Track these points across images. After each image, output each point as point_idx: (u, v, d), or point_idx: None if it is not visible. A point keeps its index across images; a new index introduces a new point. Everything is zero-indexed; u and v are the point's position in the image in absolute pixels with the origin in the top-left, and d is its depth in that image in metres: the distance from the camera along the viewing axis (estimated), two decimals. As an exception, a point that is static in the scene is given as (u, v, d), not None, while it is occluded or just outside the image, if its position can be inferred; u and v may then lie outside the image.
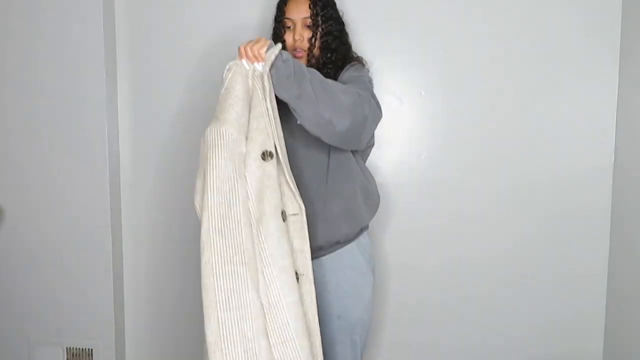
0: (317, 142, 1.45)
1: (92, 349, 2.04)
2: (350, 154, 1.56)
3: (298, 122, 1.38)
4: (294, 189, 1.36)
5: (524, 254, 1.97)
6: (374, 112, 1.48)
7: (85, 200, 1.98)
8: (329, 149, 1.50)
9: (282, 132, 1.37)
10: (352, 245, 1.57)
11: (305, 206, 1.38)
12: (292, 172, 1.39)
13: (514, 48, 1.91)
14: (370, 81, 1.58)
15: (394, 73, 1.95)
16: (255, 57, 1.33)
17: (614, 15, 1.87)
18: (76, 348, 2.05)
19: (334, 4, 1.64)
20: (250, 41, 1.36)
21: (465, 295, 2.00)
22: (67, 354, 2.06)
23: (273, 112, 1.34)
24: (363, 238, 1.61)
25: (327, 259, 1.55)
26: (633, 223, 1.83)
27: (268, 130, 1.33)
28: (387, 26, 1.93)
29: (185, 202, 2.03)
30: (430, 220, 1.98)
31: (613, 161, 1.92)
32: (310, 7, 1.57)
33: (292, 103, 1.35)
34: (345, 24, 1.66)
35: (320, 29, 1.57)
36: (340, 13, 1.65)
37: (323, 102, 1.34)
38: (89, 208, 1.99)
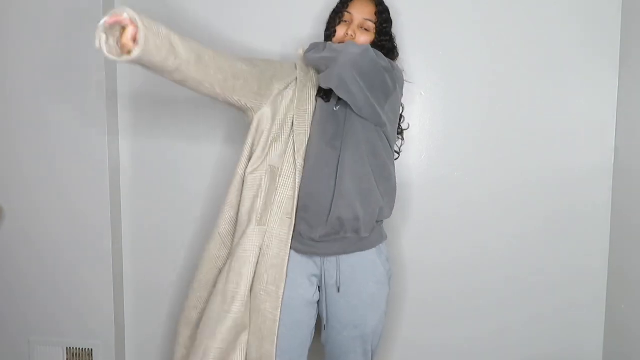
0: (333, 118, 1.51)
1: (92, 349, 2.04)
2: (373, 132, 1.54)
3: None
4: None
5: (523, 254, 1.97)
6: (375, 58, 1.46)
7: (86, 200, 1.98)
8: (344, 124, 1.52)
9: None
10: (373, 253, 1.58)
11: (321, 182, 1.51)
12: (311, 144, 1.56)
13: (514, 48, 1.91)
14: (390, 66, 1.54)
15: (394, 73, 1.94)
16: None
17: (614, 15, 1.87)
18: (76, 348, 2.05)
19: (391, 22, 1.64)
20: None
21: (461, 294, 2.00)
22: (67, 354, 2.06)
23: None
24: (383, 246, 1.63)
25: (348, 267, 1.55)
26: (633, 223, 1.83)
27: None
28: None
29: (185, 202, 2.04)
30: (430, 220, 1.98)
31: (613, 161, 1.92)
32: (375, 14, 1.58)
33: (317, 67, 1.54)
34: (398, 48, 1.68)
35: (376, 37, 1.58)
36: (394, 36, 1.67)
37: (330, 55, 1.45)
38: (89, 208, 1.99)
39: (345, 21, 1.58)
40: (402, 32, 1.93)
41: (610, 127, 1.92)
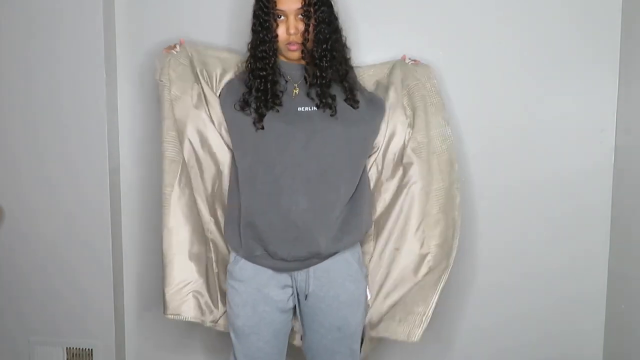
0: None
1: (92, 349, 2.04)
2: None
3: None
4: None
5: (523, 253, 1.97)
6: None
7: (85, 200, 1.98)
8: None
9: None
10: (347, 255, 1.58)
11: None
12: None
13: (514, 48, 1.91)
14: None
15: (394, 73, 1.94)
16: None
17: (614, 15, 1.87)
18: (76, 348, 2.05)
19: (329, 4, 1.55)
20: None
21: (462, 294, 2.00)
22: (67, 354, 2.06)
23: None
24: (357, 247, 1.63)
25: (324, 272, 1.55)
26: (633, 223, 1.83)
27: None
28: (387, 25, 1.93)
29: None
30: (430, 220, 1.98)
31: (613, 161, 1.92)
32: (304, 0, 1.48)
33: None
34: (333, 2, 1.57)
35: (313, 19, 1.49)
36: None
37: None
38: (89, 208, 1.98)
39: (281, 18, 1.49)
40: (403, 32, 1.93)
41: (610, 127, 1.91)
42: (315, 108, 1.53)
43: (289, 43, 1.51)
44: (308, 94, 1.55)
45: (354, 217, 1.56)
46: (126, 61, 2.01)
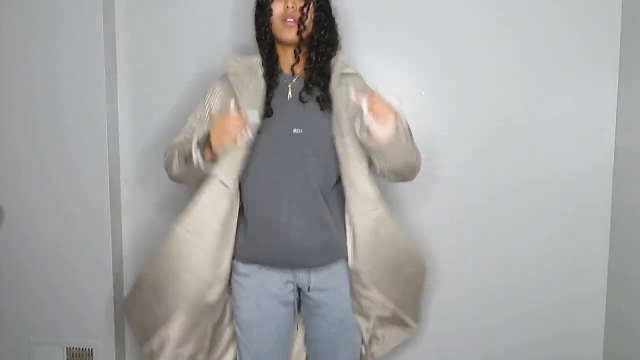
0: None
1: (92, 349, 2.04)
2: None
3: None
4: None
5: (523, 254, 1.97)
6: None
7: (85, 200, 1.98)
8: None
9: None
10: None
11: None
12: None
13: (514, 48, 1.91)
14: None
15: (394, 72, 1.95)
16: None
17: (614, 15, 1.88)
18: (76, 348, 2.05)
19: None
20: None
21: (462, 294, 2.00)
22: (67, 354, 2.06)
23: None
24: None
25: (325, 269, 1.56)
26: (633, 223, 1.83)
27: None
28: (387, 25, 1.93)
29: (184, 202, 2.03)
30: (430, 220, 1.98)
31: (613, 161, 1.92)
32: None
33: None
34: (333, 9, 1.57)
35: (313, 1, 1.48)
36: None
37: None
38: (89, 208, 1.98)
39: None
40: (403, 31, 1.93)
41: (610, 127, 1.92)
42: (301, 131, 1.51)
43: (285, 19, 1.47)
44: (302, 95, 1.52)
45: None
46: (126, 61, 2.01)
